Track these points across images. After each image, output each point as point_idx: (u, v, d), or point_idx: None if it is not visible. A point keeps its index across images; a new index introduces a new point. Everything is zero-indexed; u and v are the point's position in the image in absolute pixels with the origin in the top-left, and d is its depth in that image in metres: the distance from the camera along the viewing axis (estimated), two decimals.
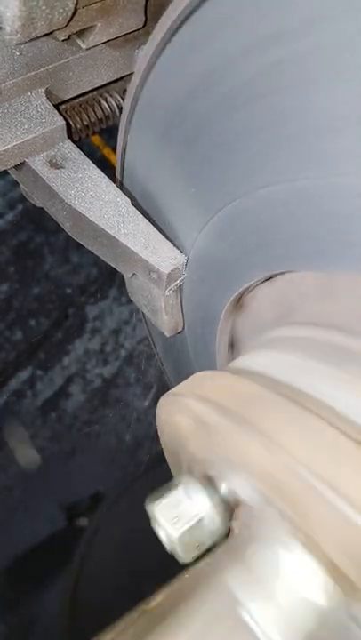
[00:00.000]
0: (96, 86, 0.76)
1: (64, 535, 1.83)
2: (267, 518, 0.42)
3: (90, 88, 0.76)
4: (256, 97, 0.48)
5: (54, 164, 0.71)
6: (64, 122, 0.71)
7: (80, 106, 0.81)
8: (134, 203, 0.71)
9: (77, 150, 0.72)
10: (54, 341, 2.03)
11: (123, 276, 0.76)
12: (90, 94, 0.82)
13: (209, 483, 0.46)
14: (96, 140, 2.12)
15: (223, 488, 0.46)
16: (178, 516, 0.43)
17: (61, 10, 0.57)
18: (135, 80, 0.63)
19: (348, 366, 0.47)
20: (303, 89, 0.43)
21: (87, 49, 0.70)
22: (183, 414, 0.51)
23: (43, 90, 0.71)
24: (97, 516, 1.81)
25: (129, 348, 2.03)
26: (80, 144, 0.76)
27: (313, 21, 0.40)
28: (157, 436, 0.59)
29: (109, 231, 0.68)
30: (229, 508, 0.46)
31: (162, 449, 0.60)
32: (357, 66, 0.39)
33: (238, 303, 0.66)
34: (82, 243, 0.75)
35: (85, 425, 1.94)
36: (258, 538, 0.42)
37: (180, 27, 0.53)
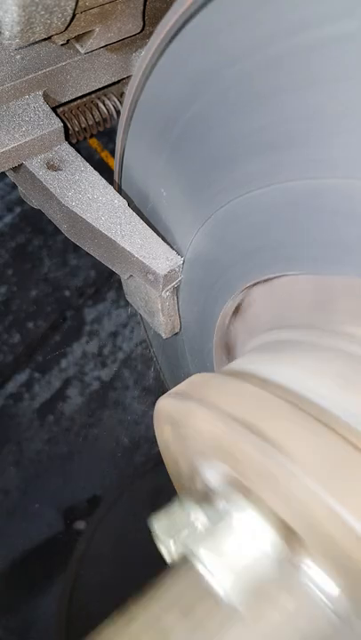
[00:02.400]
0: (93, 89, 0.77)
1: (61, 538, 1.82)
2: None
3: (87, 91, 0.76)
4: (253, 100, 0.48)
5: (52, 167, 0.71)
6: (62, 124, 0.71)
7: (78, 108, 0.81)
8: (132, 205, 0.71)
9: (75, 153, 0.73)
10: (52, 344, 2.03)
11: (121, 278, 0.76)
12: (87, 97, 0.82)
13: (208, 502, 0.47)
14: (94, 143, 2.12)
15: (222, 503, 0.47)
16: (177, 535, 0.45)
17: (60, 15, 0.57)
18: (133, 83, 0.63)
19: (341, 366, 0.48)
20: (302, 91, 0.44)
21: (85, 53, 0.70)
22: (180, 415, 0.52)
23: (40, 93, 0.71)
24: (94, 519, 1.81)
25: (127, 350, 2.02)
26: (78, 147, 0.76)
27: (311, 23, 0.41)
28: (155, 438, 0.59)
29: (106, 233, 0.68)
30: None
31: (159, 451, 0.60)
32: (357, 66, 0.39)
33: (235, 305, 0.67)
34: (79, 244, 0.75)
35: (83, 428, 1.94)
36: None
37: (178, 31, 0.53)
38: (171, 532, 0.46)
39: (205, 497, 0.48)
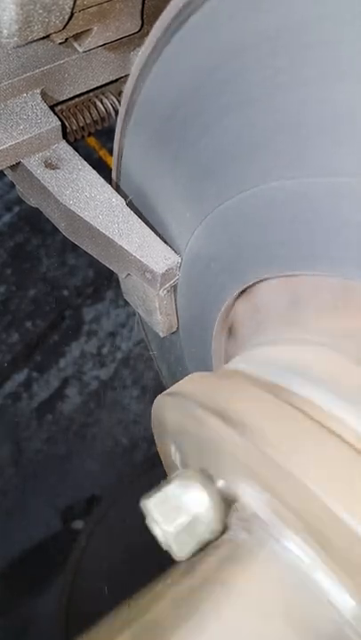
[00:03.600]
0: (91, 88, 0.77)
1: (60, 538, 1.82)
2: (267, 519, 0.42)
3: (85, 89, 0.76)
4: (251, 99, 0.48)
5: (49, 165, 0.71)
6: (59, 123, 0.71)
7: (76, 107, 0.81)
8: (130, 203, 0.71)
9: (72, 151, 0.73)
10: (50, 343, 2.03)
11: (118, 277, 0.76)
12: (85, 96, 0.82)
13: (205, 477, 0.45)
14: (92, 141, 2.12)
15: (220, 483, 0.46)
16: (173, 510, 0.42)
17: (58, 13, 0.57)
18: (131, 82, 0.63)
19: (341, 370, 0.48)
20: (300, 90, 0.44)
21: (83, 52, 0.70)
22: (178, 415, 0.52)
23: (38, 91, 0.71)
24: (93, 519, 1.81)
25: (125, 350, 2.02)
26: (76, 146, 0.76)
27: (311, 21, 0.41)
28: (154, 438, 0.59)
29: (104, 231, 0.68)
30: (227, 502, 0.45)
31: (158, 451, 0.60)
32: (356, 65, 0.39)
33: (233, 303, 0.67)
34: (76, 243, 0.75)
35: (81, 427, 1.93)
36: (264, 540, 0.42)
37: (177, 29, 0.53)
38: (167, 510, 0.41)
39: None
